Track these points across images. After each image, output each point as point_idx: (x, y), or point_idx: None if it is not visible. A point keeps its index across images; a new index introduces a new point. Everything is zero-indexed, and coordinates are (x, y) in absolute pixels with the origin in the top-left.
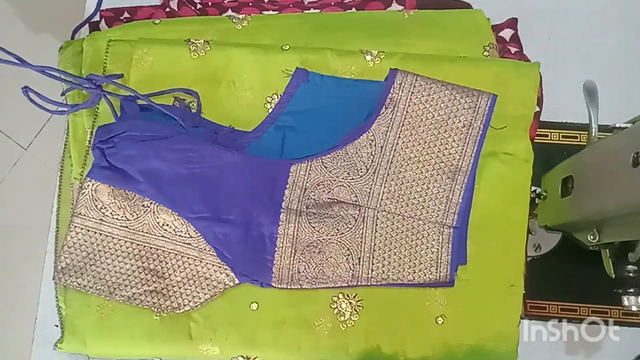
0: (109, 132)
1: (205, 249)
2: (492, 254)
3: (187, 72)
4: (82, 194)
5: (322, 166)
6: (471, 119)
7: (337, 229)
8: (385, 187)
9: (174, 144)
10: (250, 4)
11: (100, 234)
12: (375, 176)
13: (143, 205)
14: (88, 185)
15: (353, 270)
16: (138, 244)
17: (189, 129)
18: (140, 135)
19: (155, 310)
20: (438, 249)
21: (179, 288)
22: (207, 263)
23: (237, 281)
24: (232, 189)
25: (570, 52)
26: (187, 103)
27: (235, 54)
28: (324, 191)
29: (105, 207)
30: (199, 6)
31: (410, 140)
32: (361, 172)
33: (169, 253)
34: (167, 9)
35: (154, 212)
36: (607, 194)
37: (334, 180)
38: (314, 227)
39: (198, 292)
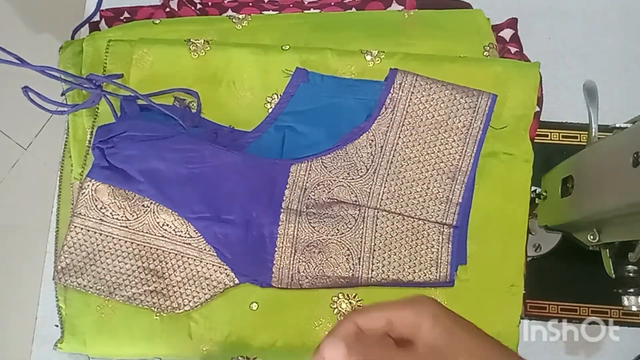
0: (109, 132)
1: (205, 249)
2: (492, 254)
3: (187, 72)
4: (82, 194)
5: (322, 166)
6: (471, 119)
7: (337, 229)
8: (385, 187)
9: (174, 144)
10: (250, 4)
11: (100, 234)
12: (375, 176)
13: (143, 205)
14: (88, 185)
15: (353, 270)
16: (138, 244)
17: (189, 129)
18: (140, 135)
19: (155, 310)
20: (438, 249)
21: (179, 288)
22: (207, 263)
23: (237, 281)
24: (232, 189)
25: (570, 52)
26: (187, 103)
27: (235, 54)
28: (324, 191)
29: (105, 207)
30: (199, 6)
31: (410, 140)
32: (361, 172)
33: (169, 253)
34: (167, 9)
35: (154, 212)
36: (607, 194)
37: (334, 180)
38: (314, 227)
39: (198, 292)
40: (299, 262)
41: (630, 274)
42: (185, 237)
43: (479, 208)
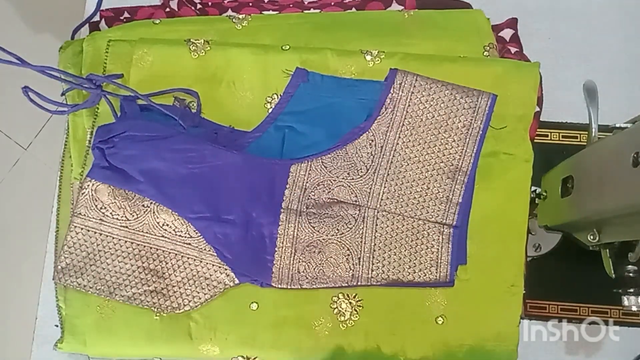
0: (109, 132)
1: (205, 249)
2: (492, 254)
3: (187, 72)
4: (82, 194)
5: (322, 166)
6: (471, 119)
7: (337, 229)
8: (385, 187)
9: (174, 144)
10: (250, 4)
11: (100, 234)
12: (375, 176)
13: (143, 205)
14: (88, 185)
15: (353, 270)
16: (138, 244)
17: (189, 129)
18: (140, 135)
19: (155, 310)
20: (438, 249)
21: (179, 288)
22: (207, 263)
23: (237, 281)
24: (232, 189)
25: (570, 52)
26: (187, 103)
27: (235, 54)
28: (324, 191)
29: (105, 207)
30: (199, 6)
31: (410, 140)
32: (361, 172)
33: (169, 253)
34: (167, 9)
35: (154, 212)
36: (607, 194)
37: (334, 180)
38: (314, 227)
39: (198, 292)
40: (299, 262)
41: (630, 274)
42: (185, 237)
43: (479, 208)
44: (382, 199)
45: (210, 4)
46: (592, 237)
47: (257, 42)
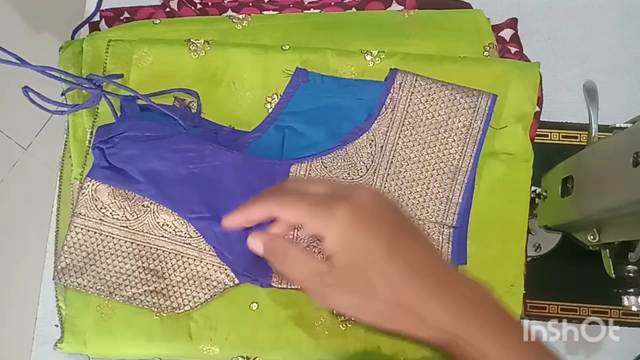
0: (109, 132)
1: (205, 249)
2: (492, 254)
3: (187, 72)
4: (82, 194)
5: (322, 166)
6: (471, 119)
7: None
8: (385, 187)
9: (174, 144)
10: (250, 4)
11: (100, 234)
12: (375, 176)
13: (143, 205)
14: (88, 185)
15: None
16: (138, 244)
17: (189, 129)
18: (140, 135)
19: (155, 310)
20: (438, 249)
21: (179, 288)
22: (207, 263)
23: (237, 281)
24: (232, 189)
25: (570, 52)
26: (187, 103)
27: (235, 54)
28: None
29: (105, 207)
30: (199, 6)
31: (410, 140)
32: (361, 172)
33: (169, 253)
34: (167, 9)
35: (154, 212)
36: (607, 194)
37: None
38: None
39: (198, 292)
40: None
41: (630, 274)
42: (185, 237)
43: (479, 208)
44: None
45: (210, 4)
46: (592, 237)
47: (257, 42)
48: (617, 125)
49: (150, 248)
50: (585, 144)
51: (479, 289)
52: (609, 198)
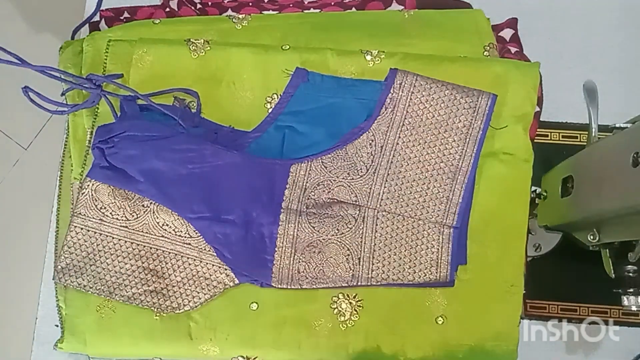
0: (109, 132)
1: (205, 249)
2: (492, 254)
3: (187, 72)
4: (82, 194)
5: (322, 166)
6: (471, 119)
7: (337, 229)
8: (385, 187)
9: (174, 144)
10: (250, 4)
11: (100, 234)
12: (375, 176)
13: (143, 205)
14: (88, 185)
15: (353, 270)
16: (138, 244)
17: (189, 129)
18: (140, 135)
19: (155, 310)
20: (438, 249)
21: (179, 288)
22: (207, 263)
23: (237, 281)
24: (232, 189)
25: (570, 52)
26: (187, 103)
27: (235, 54)
28: (324, 191)
29: (105, 207)
30: (199, 6)
31: (410, 140)
32: (361, 172)
33: (169, 253)
34: (167, 9)
35: (153, 212)
36: (607, 194)
37: (334, 180)
38: (314, 227)
39: (198, 292)
40: (299, 262)
41: (630, 274)
42: (185, 237)
43: (479, 208)
44: (382, 199)
45: (210, 4)
46: (592, 237)
47: (257, 42)
48: (617, 125)
49: (150, 248)
50: (585, 144)
51: None
52: (609, 198)
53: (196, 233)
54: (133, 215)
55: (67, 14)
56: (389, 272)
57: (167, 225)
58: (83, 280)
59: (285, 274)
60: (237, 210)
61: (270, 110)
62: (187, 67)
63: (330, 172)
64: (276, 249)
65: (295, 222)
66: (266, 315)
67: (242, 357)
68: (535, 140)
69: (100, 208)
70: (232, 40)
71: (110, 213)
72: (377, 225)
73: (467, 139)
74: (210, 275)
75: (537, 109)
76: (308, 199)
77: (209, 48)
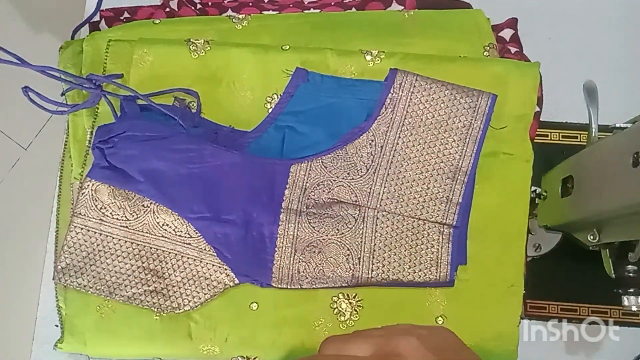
0: (109, 132)
1: (205, 249)
2: (492, 254)
3: (187, 72)
4: (82, 194)
5: (322, 166)
6: (471, 119)
7: (337, 229)
8: (385, 187)
9: (174, 144)
10: (250, 4)
11: (100, 234)
12: (375, 176)
13: (143, 205)
14: (88, 185)
15: (353, 270)
16: (138, 244)
17: (189, 129)
18: (140, 135)
19: (155, 310)
20: (438, 249)
21: (179, 288)
22: (207, 263)
23: (237, 281)
24: (232, 189)
25: (570, 52)
26: (187, 103)
27: (235, 54)
28: (324, 191)
29: (105, 207)
30: (199, 6)
31: (410, 140)
32: (361, 172)
33: (169, 253)
34: (167, 9)
35: (154, 212)
36: (607, 194)
37: (334, 180)
38: (314, 227)
39: (198, 292)
40: (299, 262)
41: (630, 274)
42: (185, 237)
43: (479, 208)
44: (382, 199)
45: (210, 4)
46: (592, 237)
47: (257, 42)
48: (617, 125)
49: (150, 248)
50: (585, 144)
51: None
52: (609, 198)
53: (196, 233)
54: (133, 215)
55: (67, 14)
56: (389, 272)
57: (167, 225)
58: (83, 280)
59: (285, 274)
60: (237, 210)
61: (270, 110)
62: (187, 67)
63: (330, 172)
64: (276, 249)
65: (295, 222)
66: (266, 315)
67: (242, 357)
68: (535, 140)
69: (100, 208)
70: (232, 40)
71: (110, 213)
72: (377, 225)
73: (467, 139)
74: (210, 275)
75: (537, 109)
76: (308, 199)
77: (209, 48)
